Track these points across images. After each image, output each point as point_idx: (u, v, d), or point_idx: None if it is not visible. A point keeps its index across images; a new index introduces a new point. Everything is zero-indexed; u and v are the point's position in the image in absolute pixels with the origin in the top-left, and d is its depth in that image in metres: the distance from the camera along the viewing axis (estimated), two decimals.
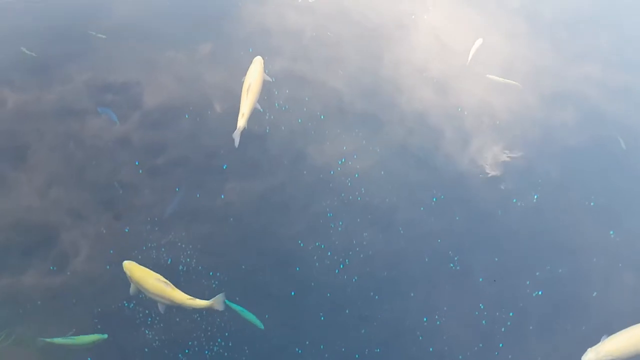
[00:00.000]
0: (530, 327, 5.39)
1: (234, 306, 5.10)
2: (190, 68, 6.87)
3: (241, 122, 5.55)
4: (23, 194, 5.60)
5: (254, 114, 5.81)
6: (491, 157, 6.51)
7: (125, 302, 5.07)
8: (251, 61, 6.23)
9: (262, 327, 5.06)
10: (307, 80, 6.97)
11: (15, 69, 6.55)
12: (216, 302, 4.80)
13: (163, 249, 5.38)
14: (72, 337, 4.79)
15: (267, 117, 6.35)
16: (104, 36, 6.93)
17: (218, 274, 5.33)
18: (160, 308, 4.81)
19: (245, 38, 7.24)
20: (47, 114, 6.21)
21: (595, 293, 5.64)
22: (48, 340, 4.74)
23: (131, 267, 4.81)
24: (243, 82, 5.85)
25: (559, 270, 5.74)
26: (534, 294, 5.57)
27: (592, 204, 6.26)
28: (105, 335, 4.86)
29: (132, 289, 4.83)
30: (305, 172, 6.14)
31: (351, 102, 6.86)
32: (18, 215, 5.45)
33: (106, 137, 6.08)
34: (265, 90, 6.07)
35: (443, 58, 7.51)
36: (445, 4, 8.38)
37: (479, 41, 7.55)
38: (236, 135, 5.53)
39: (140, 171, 5.88)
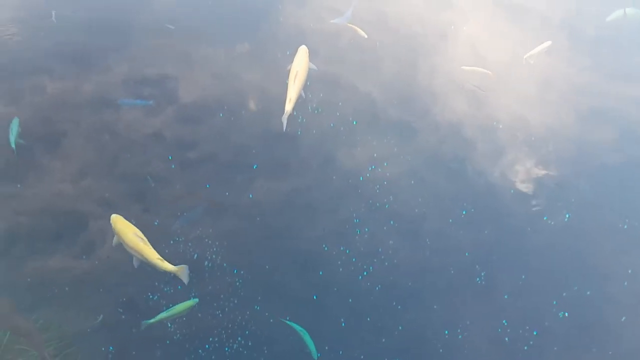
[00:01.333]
0: (555, 348, 5.29)
1: (296, 327, 5.12)
2: (227, 66, 6.94)
3: (289, 106, 5.60)
4: (56, 180, 5.72)
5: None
6: (524, 172, 6.41)
7: (149, 294, 5.13)
8: (296, 51, 6.16)
9: (316, 357, 5.04)
10: (342, 84, 6.97)
11: (56, 58, 6.69)
12: (181, 271, 4.65)
13: (190, 244, 5.44)
14: (169, 309, 4.91)
15: (299, 120, 6.37)
16: (172, 27, 7.18)
17: (242, 272, 5.36)
18: (135, 263, 4.75)
19: (282, 40, 7.27)
20: (84, 104, 6.34)
21: (624, 318, 5.50)
22: (151, 321, 4.83)
23: (116, 220, 4.85)
24: (289, 70, 5.85)
25: (587, 292, 5.61)
26: (559, 314, 5.47)
27: (625, 226, 6.11)
28: (197, 300, 5.02)
29: (114, 240, 4.86)
30: (334, 177, 6.13)
31: (385, 109, 6.83)
32: (50, 201, 5.57)
33: (141, 130, 6.17)
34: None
35: (480, 70, 7.43)
36: (485, 17, 8.30)
37: (548, 43, 7.45)
38: (284, 119, 5.58)
39: (173, 166, 5.95)
